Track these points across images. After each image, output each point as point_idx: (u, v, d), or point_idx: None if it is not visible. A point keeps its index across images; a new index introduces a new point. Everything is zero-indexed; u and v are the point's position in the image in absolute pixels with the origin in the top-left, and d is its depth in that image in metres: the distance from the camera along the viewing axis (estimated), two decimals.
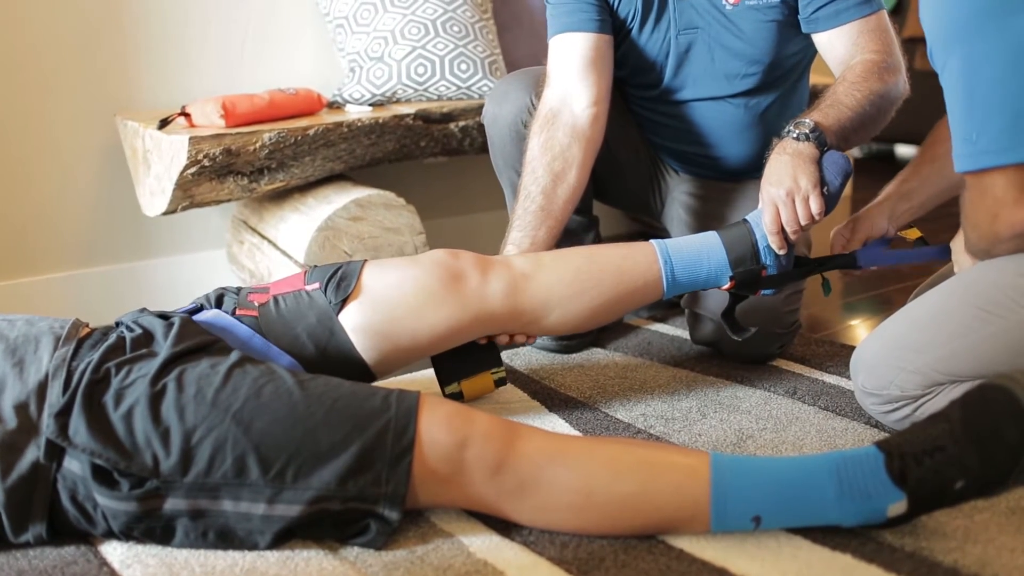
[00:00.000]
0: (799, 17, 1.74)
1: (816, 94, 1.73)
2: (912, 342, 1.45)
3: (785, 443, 1.52)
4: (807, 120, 1.59)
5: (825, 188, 1.55)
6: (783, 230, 1.56)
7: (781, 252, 1.58)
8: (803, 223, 1.54)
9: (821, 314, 2.23)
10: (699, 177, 1.99)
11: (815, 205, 1.53)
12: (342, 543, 1.24)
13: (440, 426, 1.21)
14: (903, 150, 4.74)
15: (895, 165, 4.46)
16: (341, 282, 1.45)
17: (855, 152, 4.66)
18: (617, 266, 1.57)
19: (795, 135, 1.58)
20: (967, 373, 1.40)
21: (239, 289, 1.48)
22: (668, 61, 1.82)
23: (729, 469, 1.21)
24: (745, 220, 1.61)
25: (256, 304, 1.44)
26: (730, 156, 1.92)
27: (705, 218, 1.93)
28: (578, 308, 1.55)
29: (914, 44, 4.06)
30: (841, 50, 1.72)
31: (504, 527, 1.27)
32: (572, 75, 1.76)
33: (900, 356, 1.46)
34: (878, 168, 4.30)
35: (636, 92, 1.92)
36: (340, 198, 2.13)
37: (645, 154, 2.01)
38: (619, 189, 2.04)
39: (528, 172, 1.74)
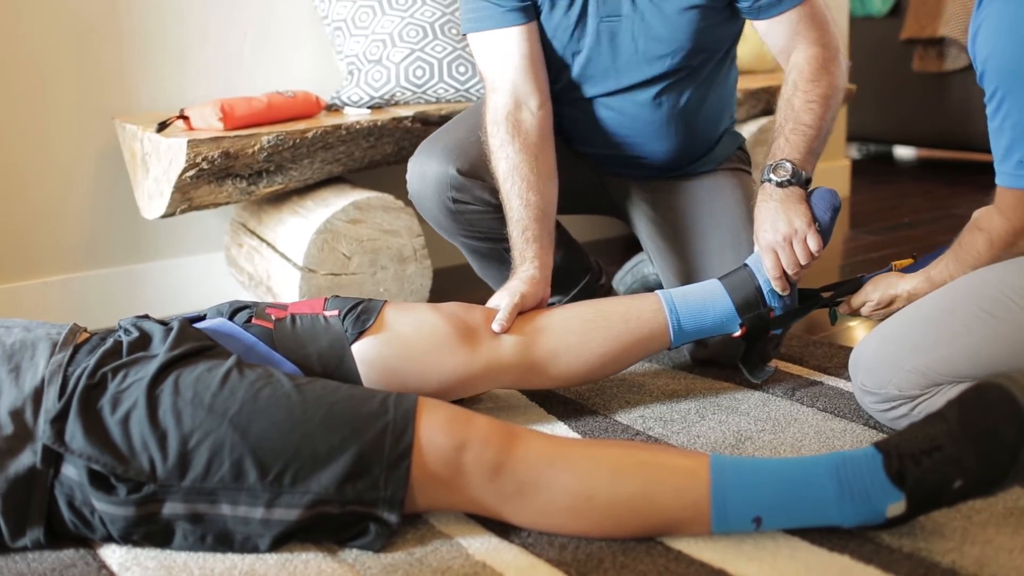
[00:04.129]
0: (738, 5, 1.72)
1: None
2: (911, 342, 1.45)
3: (784, 444, 1.52)
4: (784, 162, 1.64)
5: (817, 224, 1.62)
6: (785, 273, 1.61)
7: (785, 294, 1.63)
8: (803, 263, 1.60)
9: (820, 316, 2.23)
10: (634, 178, 1.96)
11: (813, 244, 1.60)
12: (341, 545, 1.24)
13: (438, 429, 1.21)
14: (901, 152, 4.74)
15: (893, 167, 4.47)
16: (361, 315, 1.47)
17: (853, 153, 4.66)
18: (623, 315, 1.59)
19: (776, 182, 1.63)
20: (966, 374, 1.40)
21: (256, 304, 1.50)
22: (582, 48, 1.76)
23: (729, 470, 1.21)
24: (746, 265, 1.65)
25: (273, 317, 1.46)
26: (650, 156, 1.87)
27: (663, 223, 1.91)
28: (586, 358, 1.57)
29: (912, 46, 4.07)
30: (782, 38, 1.73)
31: (503, 529, 1.27)
32: (519, 76, 1.73)
33: (899, 355, 1.46)
34: (878, 170, 4.30)
35: (554, 90, 1.82)
36: (339, 201, 2.13)
37: (578, 157, 1.95)
38: (568, 197, 1.91)
39: (518, 178, 1.68)
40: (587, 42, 1.75)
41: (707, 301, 1.63)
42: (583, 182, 1.98)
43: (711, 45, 1.77)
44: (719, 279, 1.66)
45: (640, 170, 1.93)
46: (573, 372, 1.59)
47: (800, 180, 1.64)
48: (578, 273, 2.03)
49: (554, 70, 1.80)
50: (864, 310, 1.64)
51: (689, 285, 1.68)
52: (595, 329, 1.57)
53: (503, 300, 1.57)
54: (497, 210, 1.74)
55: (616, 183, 1.98)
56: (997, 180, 1.40)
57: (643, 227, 1.95)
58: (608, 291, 2.10)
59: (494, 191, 1.74)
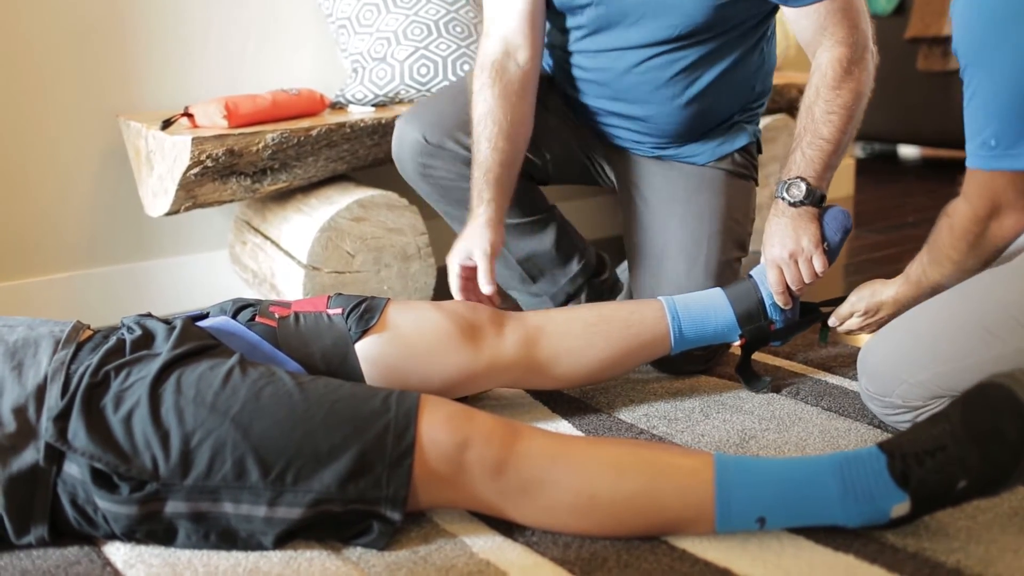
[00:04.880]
0: None
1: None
2: (915, 356, 1.44)
3: (788, 444, 1.52)
4: (798, 181, 1.64)
5: (825, 244, 1.64)
6: (788, 289, 1.63)
7: (787, 308, 1.65)
8: (807, 281, 1.63)
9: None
10: (632, 152, 1.93)
11: (818, 264, 1.63)
12: (345, 543, 1.24)
13: (440, 427, 1.21)
14: (906, 151, 4.74)
15: (898, 166, 4.46)
16: (365, 314, 1.48)
17: (857, 151, 4.66)
18: (625, 320, 1.60)
19: (789, 202, 1.64)
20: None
21: (259, 301, 1.50)
22: (590, 2, 1.74)
23: (733, 470, 1.21)
24: (750, 276, 1.67)
25: (277, 316, 1.46)
26: (646, 119, 1.85)
27: (641, 202, 1.89)
28: (587, 360, 1.58)
29: (916, 45, 4.07)
30: (808, 32, 1.68)
31: (507, 527, 1.27)
32: (514, 27, 1.77)
33: (902, 368, 1.45)
34: (881, 169, 4.30)
35: (556, 37, 1.86)
36: (343, 199, 2.13)
37: (571, 122, 1.95)
38: (554, 164, 1.97)
39: (491, 122, 1.72)
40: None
41: (709, 310, 1.64)
42: (580, 150, 1.97)
43: (728, 24, 1.73)
44: (722, 288, 1.67)
45: (635, 133, 1.90)
46: (574, 374, 1.60)
47: (814, 199, 1.64)
48: (567, 258, 2.00)
49: (561, 19, 1.81)
50: (852, 323, 1.64)
51: (692, 293, 1.68)
52: (597, 333, 1.58)
53: (476, 257, 1.59)
54: (463, 178, 1.79)
55: (611, 153, 1.97)
56: (966, 162, 1.39)
57: (624, 201, 1.94)
58: (612, 287, 2.08)
59: (465, 161, 1.80)
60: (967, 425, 1.14)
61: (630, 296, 1.93)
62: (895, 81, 4.15)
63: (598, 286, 2.05)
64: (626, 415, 1.65)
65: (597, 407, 1.69)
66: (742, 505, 1.19)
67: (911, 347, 1.46)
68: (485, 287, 1.58)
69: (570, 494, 1.21)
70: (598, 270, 2.08)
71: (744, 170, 1.90)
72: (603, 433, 1.58)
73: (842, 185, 3.58)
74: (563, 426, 1.61)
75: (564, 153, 1.95)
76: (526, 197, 1.92)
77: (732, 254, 1.82)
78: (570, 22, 1.81)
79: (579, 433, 1.58)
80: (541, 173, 1.96)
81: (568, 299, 2.00)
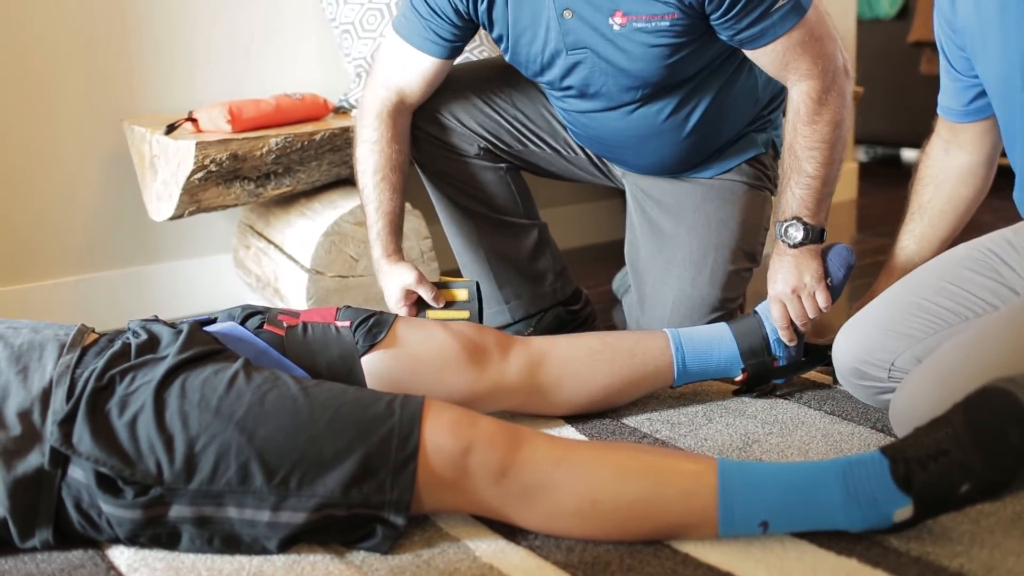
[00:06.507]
0: (720, 36, 1.64)
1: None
2: (986, 366, 1.30)
3: (791, 448, 1.52)
4: (795, 222, 1.65)
5: (829, 280, 1.66)
6: (792, 324, 1.64)
7: (791, 344, 1.66)
8: (811, 316, 1.64)
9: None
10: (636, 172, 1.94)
11: (821, 300, 1.64)
12: (348, 547, 1.24)
13: (444, 432, 1.21)
14: (909, 154, 4.74)
15: (901, 170, 4.46)
16: (373, 328, 1.49)
17: (861, 155, 4.66)
18: (629, 350, 1.61)
19: (791, 243, 1.65)
20: None
21: (268, 309, 1.50)
22: (554, 76, 1.74)
23: (736, 474, 1.21)
24: (755, 312, 1.68)
25: (285, 324, 1.47)
26: (636, 161, 1.87)
27: (647, 215, 1.89)
28: (590, 387, 1.59)
29: (920, 49, 4.07)
30: (772, 68, 1.66)
31: (510, 531, 1.27)
32: (410, 90, 1.80)
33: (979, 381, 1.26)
34: (884, 173, 4.30)
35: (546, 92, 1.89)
36: (346, 203, 2.14)
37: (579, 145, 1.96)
38: (566, 174, 2.01)
39: (385, 174, 1.77)
40: (556, 72, 1.74)
41: (713, 344, 1.64)
42: (583, 163, 1.98)
43: (689, 72, 1.72)
44: (728, 323, 1.67)
45: (632, 168, 1.91)
46: (576, 401, 1.61)
47: (813, 236, 1.65)
48: (540, 275, 1.99)
49: (547, 84, 1.81)
50: None
51: (698, 327, 1.69)
52: (601, 361, 1.59)
53: (416, 286, 1.68)
54: (451, 150, 1.86)
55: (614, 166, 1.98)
56: None
57: (631, 206, 1.94)
58: (585, 321, 2.07)
59: (453, 132, 1.86)
60: (970, 429, 1.14)
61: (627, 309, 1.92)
62: (898, 85, 4.15)
63: (566, 317, 2.03)
64: (629, 419, 1.65)
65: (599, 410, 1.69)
66: (745, 509, 1.19)
67: (979, 376, 1.27)
68: (434, 301, 1.69)
69: (573, 498, 1.21)
70: (571, 300, 2.05)
71: (756, 180, 1.87)
72: (606, 437, 1.58)
73: (845, 189, 3.58)
74: (567, 430, 1.62)
75: (574, 154, 1.96)
76: (514, 197, 1.94)
77: (741, 264, 1.82)
78: (546, 84, 1.81)
79: (583, 437, 1.59)
80: (550, 167, 1.97)
81: (528, 318, 1.98)
